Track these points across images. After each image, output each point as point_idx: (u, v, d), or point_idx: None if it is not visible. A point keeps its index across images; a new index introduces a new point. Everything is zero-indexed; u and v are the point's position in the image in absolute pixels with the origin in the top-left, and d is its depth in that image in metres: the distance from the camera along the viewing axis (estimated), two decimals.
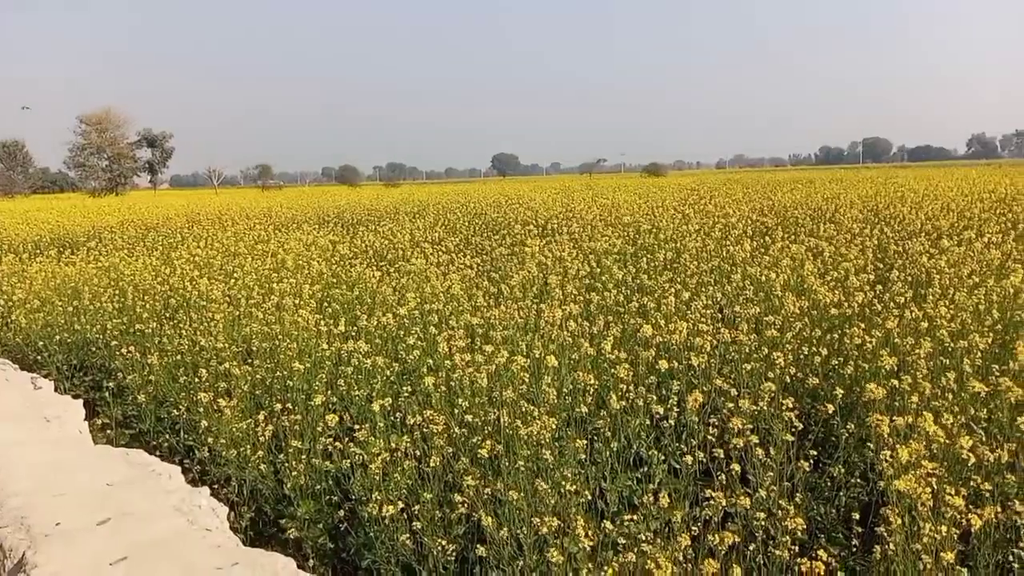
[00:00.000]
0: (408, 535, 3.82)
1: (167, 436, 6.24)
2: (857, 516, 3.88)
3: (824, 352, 5.10)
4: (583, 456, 3.96)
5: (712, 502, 3.36)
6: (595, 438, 4.29)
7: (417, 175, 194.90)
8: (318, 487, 4.57)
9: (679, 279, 7.62)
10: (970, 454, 3.33)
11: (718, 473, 3.80)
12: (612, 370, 4.53)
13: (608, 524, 3.42)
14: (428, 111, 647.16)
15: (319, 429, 4.65)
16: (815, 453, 4.07)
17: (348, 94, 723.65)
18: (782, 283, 6.82)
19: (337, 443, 4.41)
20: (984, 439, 3.71)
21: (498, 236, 12.59)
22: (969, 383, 3.93)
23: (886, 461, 3.21)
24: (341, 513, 4.37)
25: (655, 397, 4.30)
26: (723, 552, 2.93)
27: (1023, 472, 3.58)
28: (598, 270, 8.35)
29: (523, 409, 4.16)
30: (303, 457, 4.58)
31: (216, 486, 5.13)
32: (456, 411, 4.51)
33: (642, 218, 13.70)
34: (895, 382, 4.20)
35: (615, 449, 4.17)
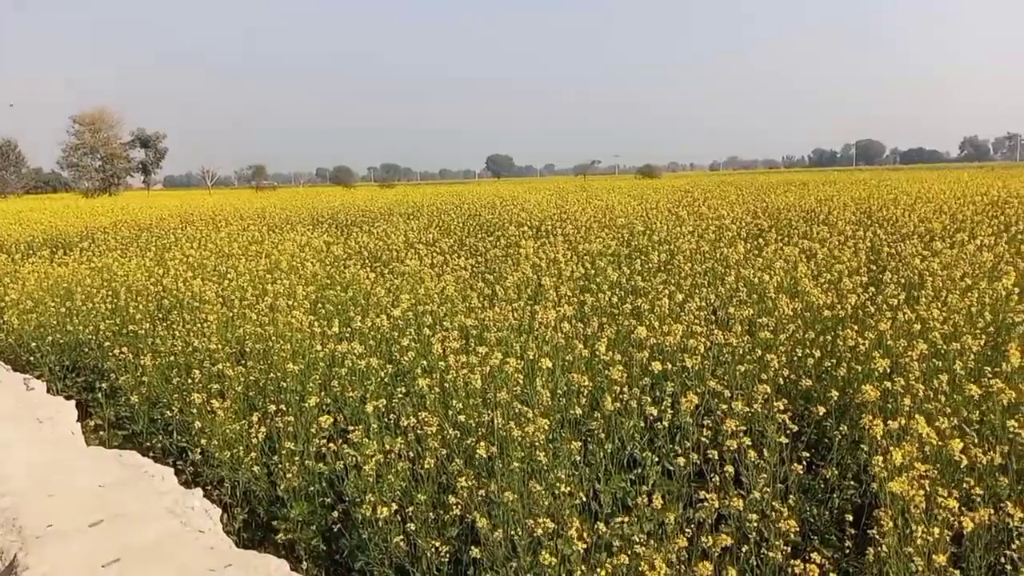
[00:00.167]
0: (402, 537, 3.81)
1: (160, 437, 6.21)
2: (850, 518, 3.89)
3: (817, 354, 5.11)
4: (577, 457, 3.96)
5: (706, 504, 3.37)
6: (589, 439, 4.28)
7: (412, 176, 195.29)
8: (311, 489, 4.56)
9: (673, 281, 7.62)
10: (962, 456, 3.35)
11: (712, 475, 3.82)
12: (606, 372, 4.54)
13: (602, 526, 3.42)
14: (423, 112, 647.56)
15: (313, 430, 4.64)
16: (808, 455, 4.08)
17: (343, 95, 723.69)
18: (775, 285, 6.84)
19: (331, 444, 4.40)
20: (976, 441, 3.73)
21: (492, 237, 12.59)
22: (962, 385, 3.95)
23: (879, 464, 3.22)
24: (335, 515, 4.36)
25: (649, 399, 4.30)
26: (716, 554, 2.94)
27: (1015, 474, 3.60)
28: (592, 272, 8.36)
29: (517, 410, 4.16)
30: (296, 459, 4.58)
31: (209, 488, 5.11)
32: (450, 412, 4.51)
33: (636, 220, 13.72)
34: (888, 384, 4.22)
35: (609, 451, 4.18)
